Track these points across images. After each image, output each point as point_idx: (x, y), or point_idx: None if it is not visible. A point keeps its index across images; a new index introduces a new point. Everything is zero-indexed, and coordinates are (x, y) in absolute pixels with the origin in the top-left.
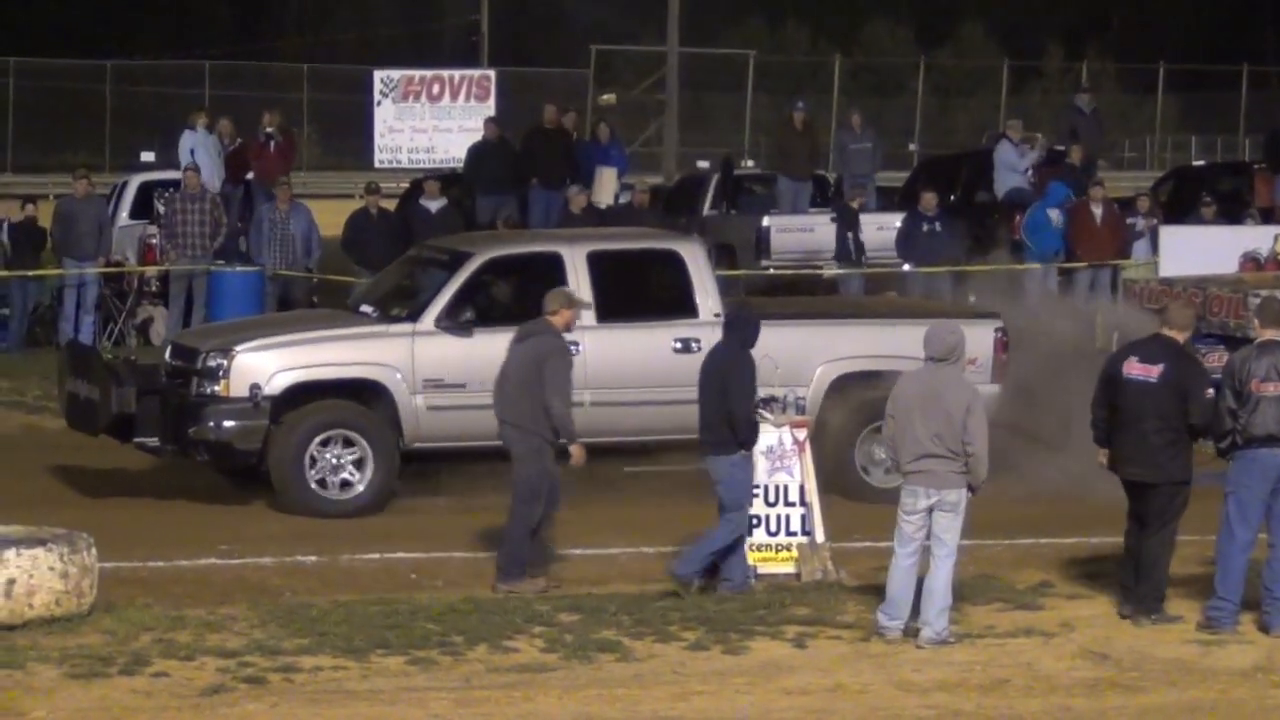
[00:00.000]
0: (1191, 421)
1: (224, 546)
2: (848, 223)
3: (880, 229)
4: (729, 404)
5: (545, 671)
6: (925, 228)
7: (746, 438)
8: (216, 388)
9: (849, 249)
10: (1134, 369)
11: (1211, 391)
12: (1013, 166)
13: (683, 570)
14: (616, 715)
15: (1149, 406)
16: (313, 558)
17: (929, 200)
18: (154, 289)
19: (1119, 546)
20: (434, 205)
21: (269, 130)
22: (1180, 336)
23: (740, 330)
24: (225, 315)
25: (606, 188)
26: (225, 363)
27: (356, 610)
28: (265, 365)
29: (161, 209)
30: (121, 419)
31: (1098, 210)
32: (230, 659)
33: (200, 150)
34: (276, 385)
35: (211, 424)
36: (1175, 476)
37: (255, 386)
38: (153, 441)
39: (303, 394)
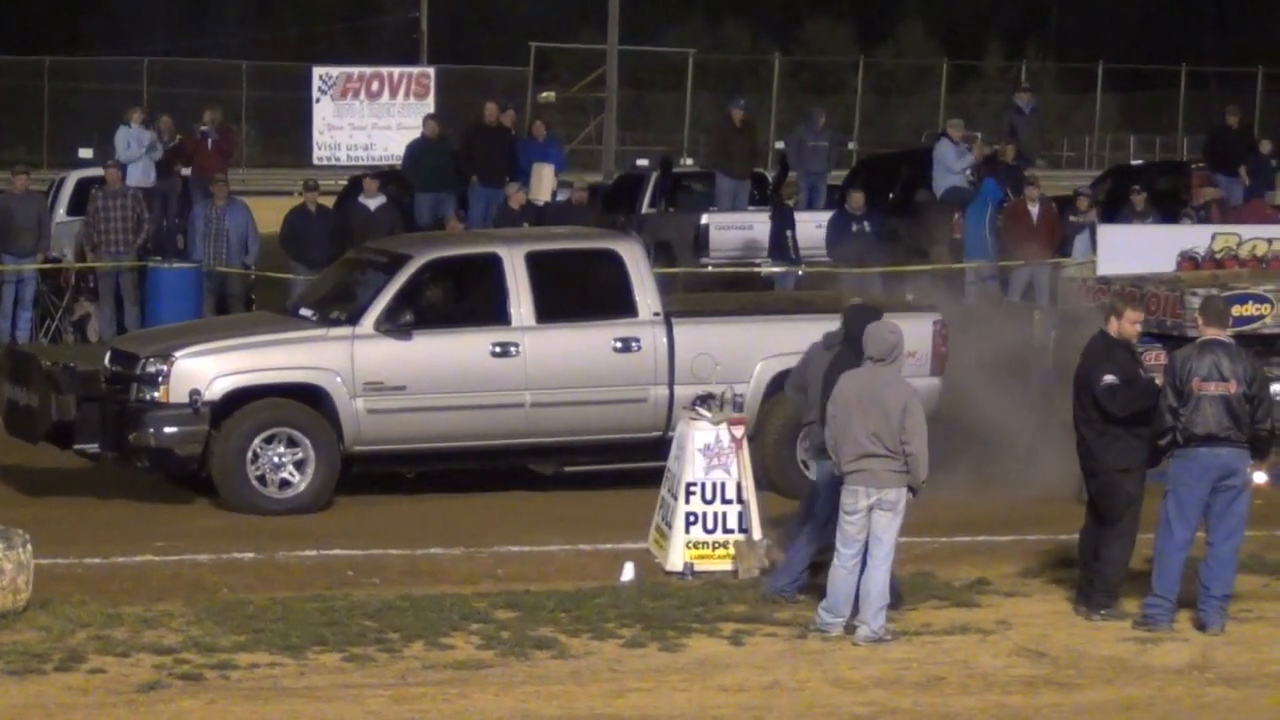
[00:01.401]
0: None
1: (161, 543)
2: (784, 220)
3: (819, 226)
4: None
5: (482, 669)
6: (854, 227)
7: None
8: (156, 394)
9: (786, 247)
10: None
11: (1110, 379)
12: (950, 166)
13: (775, 586)
14: (553, 712)
15: (1077, 399)
16: (250, 555)
17: (857, 199)
18: (91, 286)
19: (1055, 544)
20: (372, 203)
21: (204, 128)
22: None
23: (852, 333)
24: (162, 312)
25: (544, 185)
26: (165, 368)
27: (293, 607)
28: (205, 370)
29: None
30: (62, 426)
31: (1034, 209)
32: (166, 656)
33: (134, 146)
34: (216, 391)
35: (151, 430)
36: (1110, 465)
37: (195, 392)
38: (93, 448)
39: (242, 399)
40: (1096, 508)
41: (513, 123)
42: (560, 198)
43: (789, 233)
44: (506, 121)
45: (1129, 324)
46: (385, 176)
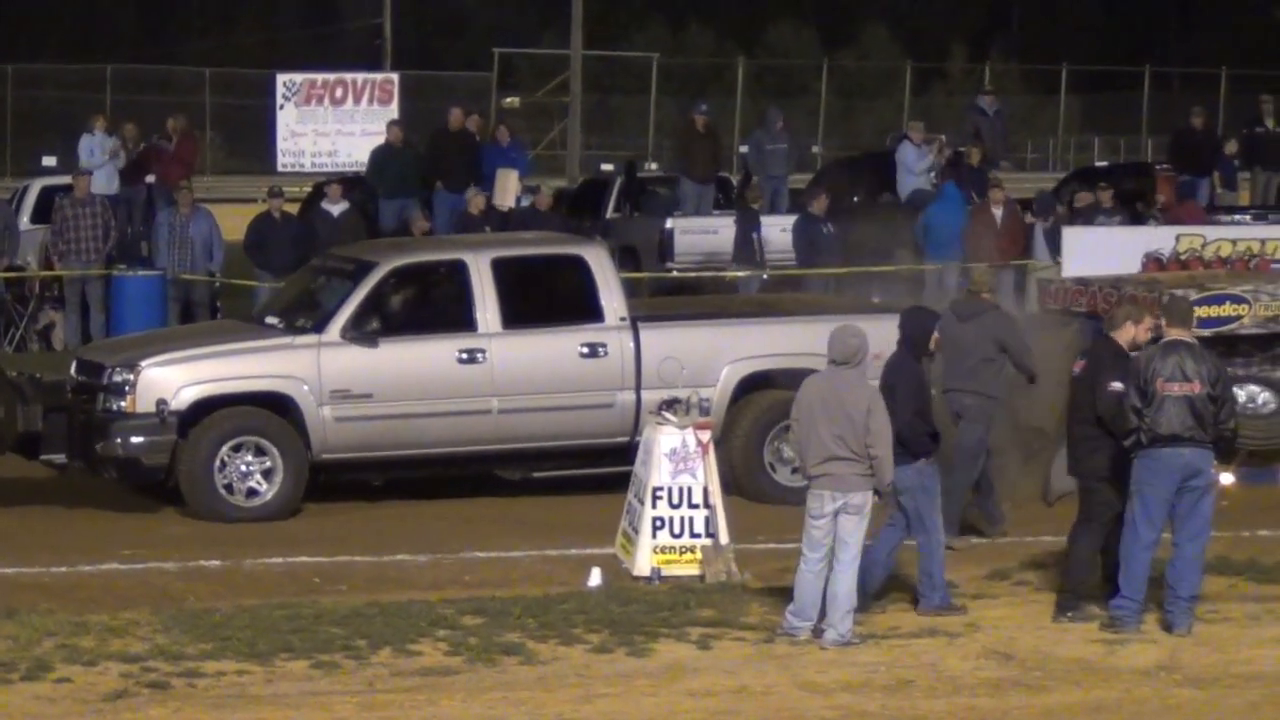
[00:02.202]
0: (1098, 413)
1: (127, 551)
2: (750, 224)
3: (783, 230)
4: (895, 417)
5: (449, 675)
6: (821, 229)
7: (918, 448)
8: (123, 403)
9: (751, 250)
10: (1076, 367)
11: (1117, 385)
12: (911, 168)
13: (933, 603)
14: (521, 718)
15: (1073, 401)
16: (216, 562)
17: (821, 202)
18: (55, 294)
19: (1022, 547)
20: (336, 208)
21: (158, 139)
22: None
23: (907, 335)
24: (126, 320)
25: (508, 190)
26: (131, 378)
27: (260, 615)
28: (171, 380)
29: None
30: (28, 436)
31: (998, 212)
32: (133, 664)
33: (98, 153)
34: (183, 400)
35: (119, 440)
36: (1094, 470)
37: (162, 401)
38: (59, 458)
39: (209, 408)
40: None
41: (478, 128)
42: (524, 203)
43: (755, 235)
44: (472, 126)
45: (1145, 331)
46: (349, 182)
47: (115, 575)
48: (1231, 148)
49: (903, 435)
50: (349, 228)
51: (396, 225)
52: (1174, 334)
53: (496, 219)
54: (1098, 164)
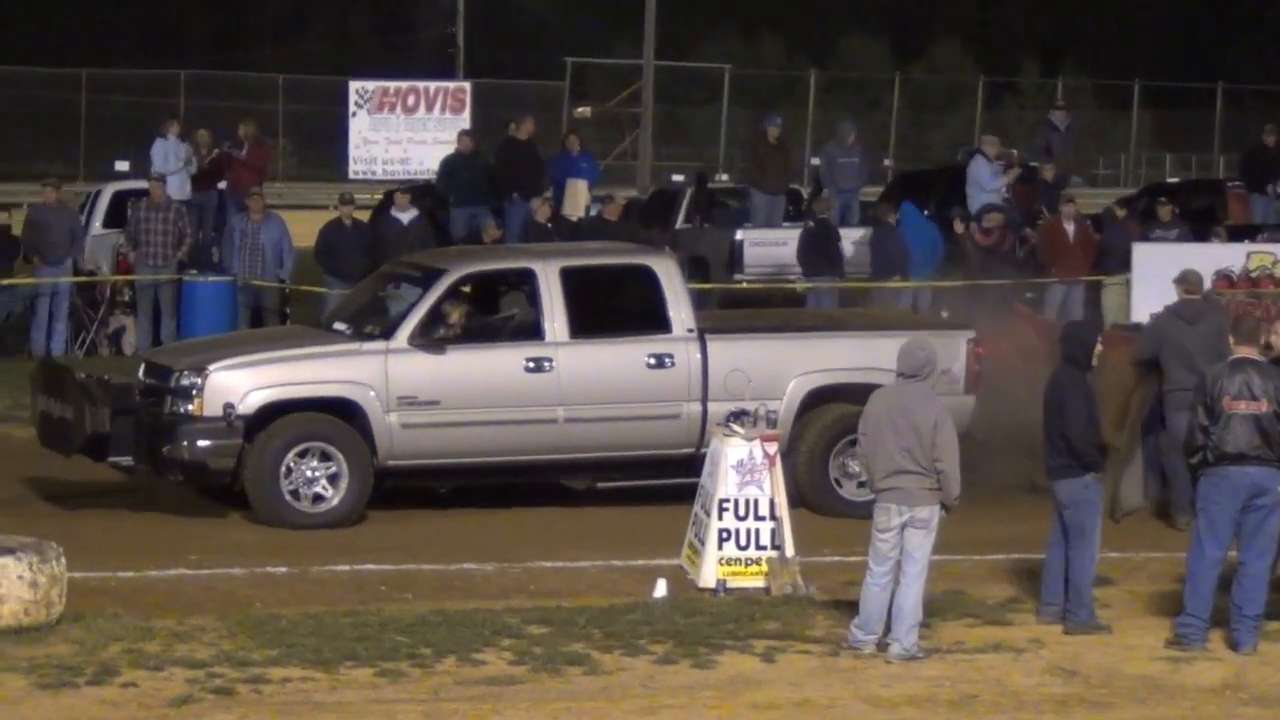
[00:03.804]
0: (1064, 431)
1: (194, 557)
2: (828, 235)
3: (853, 243)
4: (1063, 426)
5: (513, 684)
6: (897, 242)
7: (1090, 461)
8: (190, 407)
9: (831, 260)
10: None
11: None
12: (984, 185)
13: (1080, 620)
14: None
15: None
16: (282, 569)
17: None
18: (126, 299)
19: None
20: (405, 216)
21: (229, 147)
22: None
23: (1069, 349)
24: (197, 325)
25: (578, 200)
26: (199, 381)
27: (325, 622)
28: (239, 384)
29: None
30: (96, 439)
31: (1070, 227)
32: (199, 670)
33: (171, 159)
34: (250, 404)
35: (185, 443)
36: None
37: (229, 405)
38: (127, 461)
39: (276, 413)
40: None
41: (530, 134)
42: (593, 212)
43: (838, 246)
44: (524, 133)
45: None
46: (419, 191)
47: (182, 580)
48: None
49: (1075, 448)
50: (417, 235)
51: (467, 233)
52: (1241, 352)
53: (566, 228)
54: (1169, 180)
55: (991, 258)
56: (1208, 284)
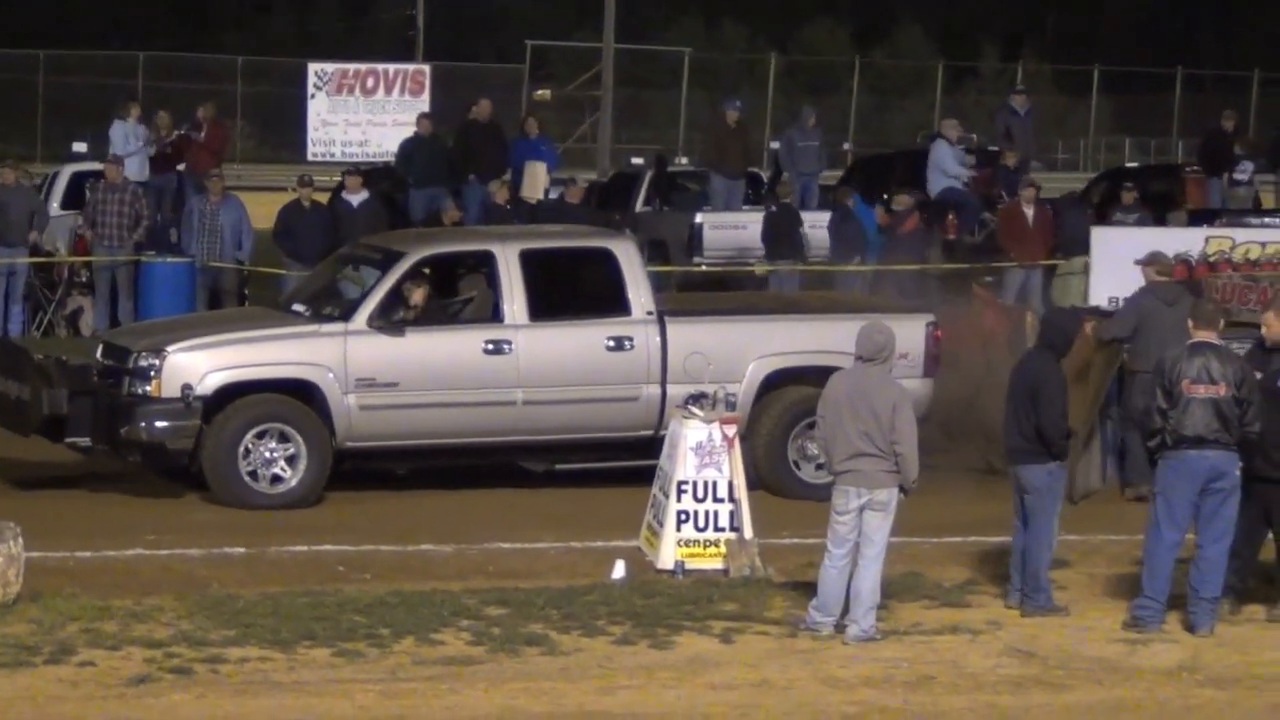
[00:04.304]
0: (1038, 421)
1: (151, 537)
2: (790, 219)
3: (813, 227)
4: (1037, 415)
5: (471, 665)
6: (856, 226)
7: (1059, 449)
8: (148, 388)
9: (794, 245)
10: None
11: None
12: (945, 168)
13: (1038, 603)
14: (542, 709)
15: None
16: (240, 550)
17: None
18: (84, 280)
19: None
20: (355, 199)
21: (194, 125)
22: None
23: (1049, 336)
24: (155, 306)
25: (537, 183)
26: (157, 363)
27: (283, 602)
28: (197, 365)
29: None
30: (53, 419)
31: (1029, 211)
32: (156, 649)
33: (131, 141)
34: (208, 385)
35: (143, 424)
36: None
37: (187, 387)
38: (84, 441)
39: (235, 394)
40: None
41: (489, 115)
42: (553, 195)
43: (801, 230)
44: (484, 115)
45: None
46: (377, 173)
47: (139, 560)
48: (1238, 149)
49: (1047, 435)
50: (367, 218)
51: (426, 215)
52: (1201, 336)
53: (525, 211)
54: (1128, 165)
55: (898, 240)
56: None
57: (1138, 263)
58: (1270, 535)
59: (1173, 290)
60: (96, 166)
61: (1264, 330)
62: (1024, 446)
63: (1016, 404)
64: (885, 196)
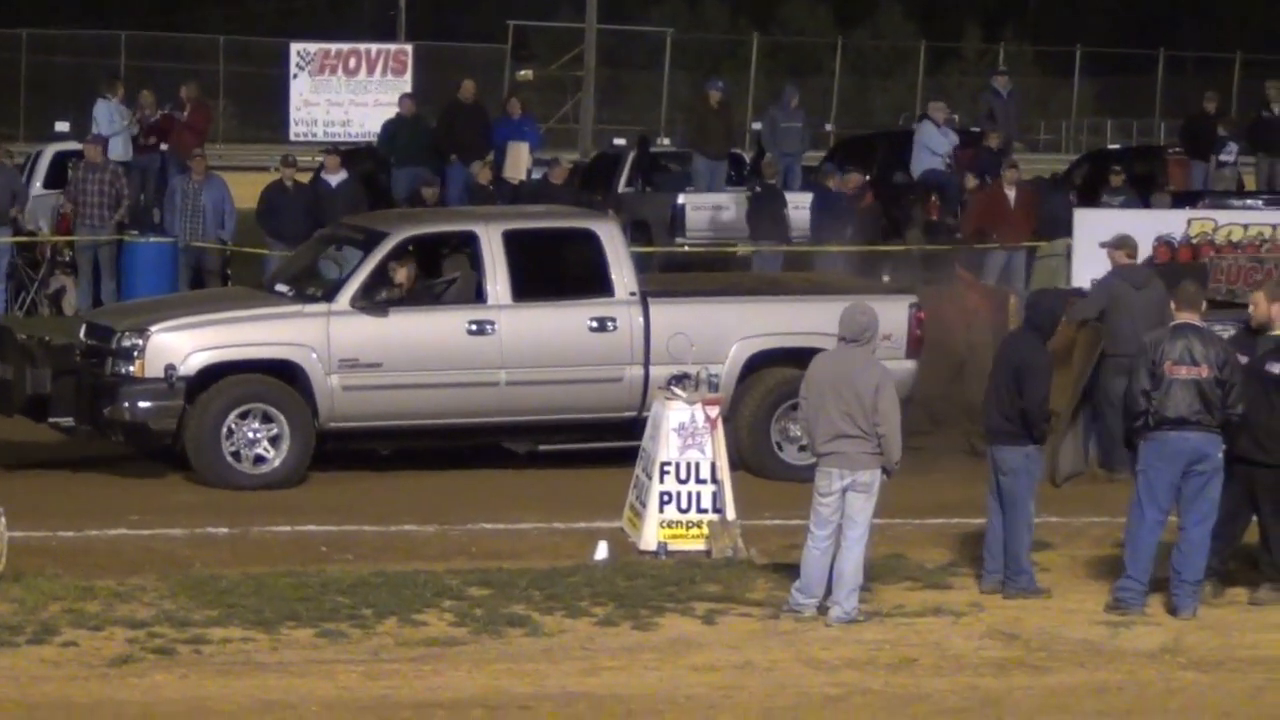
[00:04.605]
0: (1022, 404)
1: (135, 517)
2: (775, 200)
3: (797, 207)
4: (1021, 396)
5: (454, 645)
6: (840, 207)
7: (1039, 432)
8: (132, 368)
9: (779, 226)
10: None
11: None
12: (933, 148)
13: (1020, 585)
14: (525, 690)
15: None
16: (223, 530)
17: (852, 180)
18: (66, 259)
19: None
20: (334, 179)
21: (177, 105)
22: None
23: (1041, 322)
24: (138, 286)
25: (519, 163)
26: (140, 343)
27: (266, 582)
28: (180, 345)
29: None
30: (36, 399)
31: (1011, 192)
32: (139, 630)
33: (116, 120)
34: (191, 365)
35: (127, 404)
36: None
37: (170, 367)
38: (67, 421)
39: (218, 374)
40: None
41: (472, 95)
42: (536, 175)
43: (785, 212)
44: (467, 95)
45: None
46: (359, 153)
47: (122, 540)
48: (1222, 131)
49: (1030, 418)
50: (346, 198)
51: (408, 195)
52: (1183, 317)
53: (508, 191)
54: (1110, 146)
55: (831, 214)
56: (1147, 250)
57: (1103, 245)
58: (1254, 518)
59: (1141, 272)
60: (79, 146)
61: (1251, 310)
62: (1004, 427)
63: (999, 384)
64: (837, 168)
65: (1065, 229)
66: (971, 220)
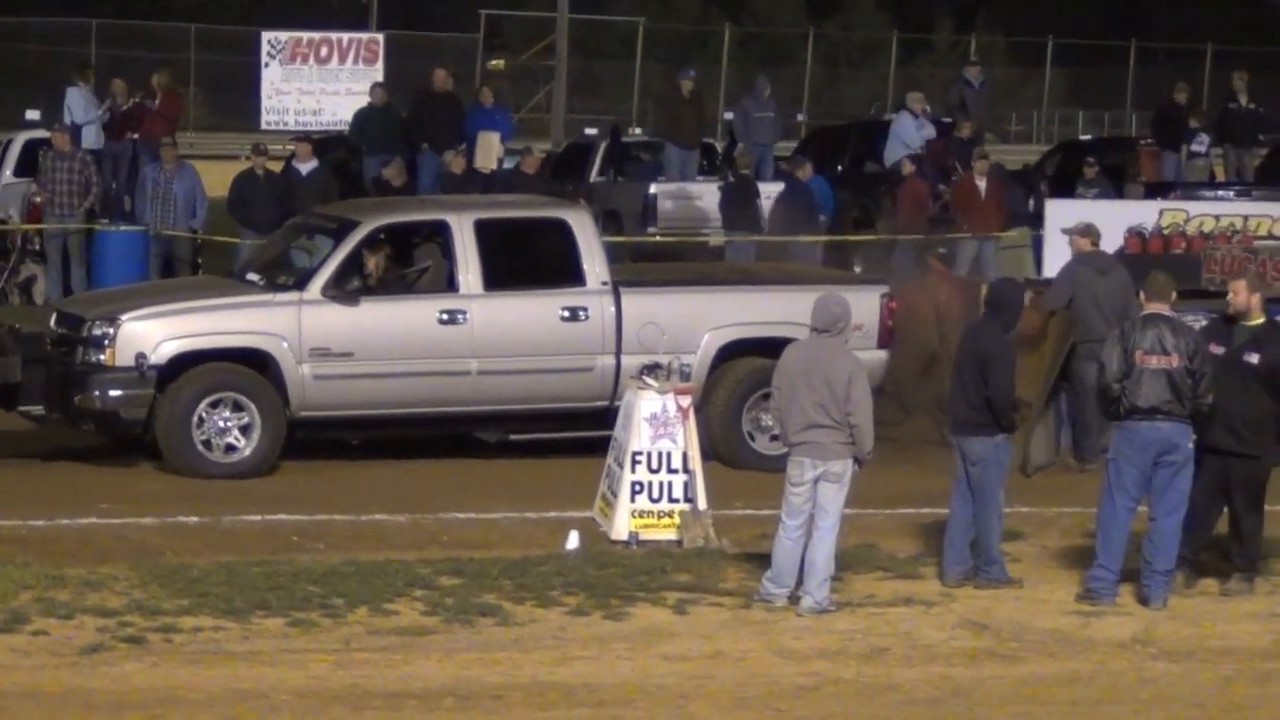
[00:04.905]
0: (988, 393)
1: (105, 506)
2: (748, 190)
3: (768, 198)
4: (987, 387)
5: (425, 635)
6: (809, 197)
7: (1007, 421)
8: (102, 356)
9: (751, 217)
10: None
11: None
12: (908, 140)
13: (992, 576)
14: (496, 679)
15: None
16: (194, 519)
17: (806, 170)
18: (37, 247)
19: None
20: (304, 167)
21: (148, 94)
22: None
23: (1003, 311)
24: (108, 274)
25: (490, 153)
26: (111, 331)
27: (237, 571)
28: (151, 334)
29: None
30: (6, 388)
31: (982, 183)
32: (110, 618)
33: (90, 109)
34: (162, 354)
35: (97, 393)
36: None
37: (141, 355)
38: (37, 410)
39: (189, 363)
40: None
41: (444, 84)
42: (507, 165)
43: (757, 202)
44: (439, 84)
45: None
46: (331, 142)
47: (93, 529)
48: (1193, 122)
49: (997, 406)
50: (316, 187)
51: (372, 179)
52: (1152, 308)
53: (481, 182)
54: (1081, 137)
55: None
56: (1120, 240)
57: (1065, 232)
58: (1224, 509)
59: (1104, 258)
60: (50, 134)
61: (1230, 298)
62: (972, 418)
63: (965, 375)
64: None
65: (1023, 219)
66: (904, 211)
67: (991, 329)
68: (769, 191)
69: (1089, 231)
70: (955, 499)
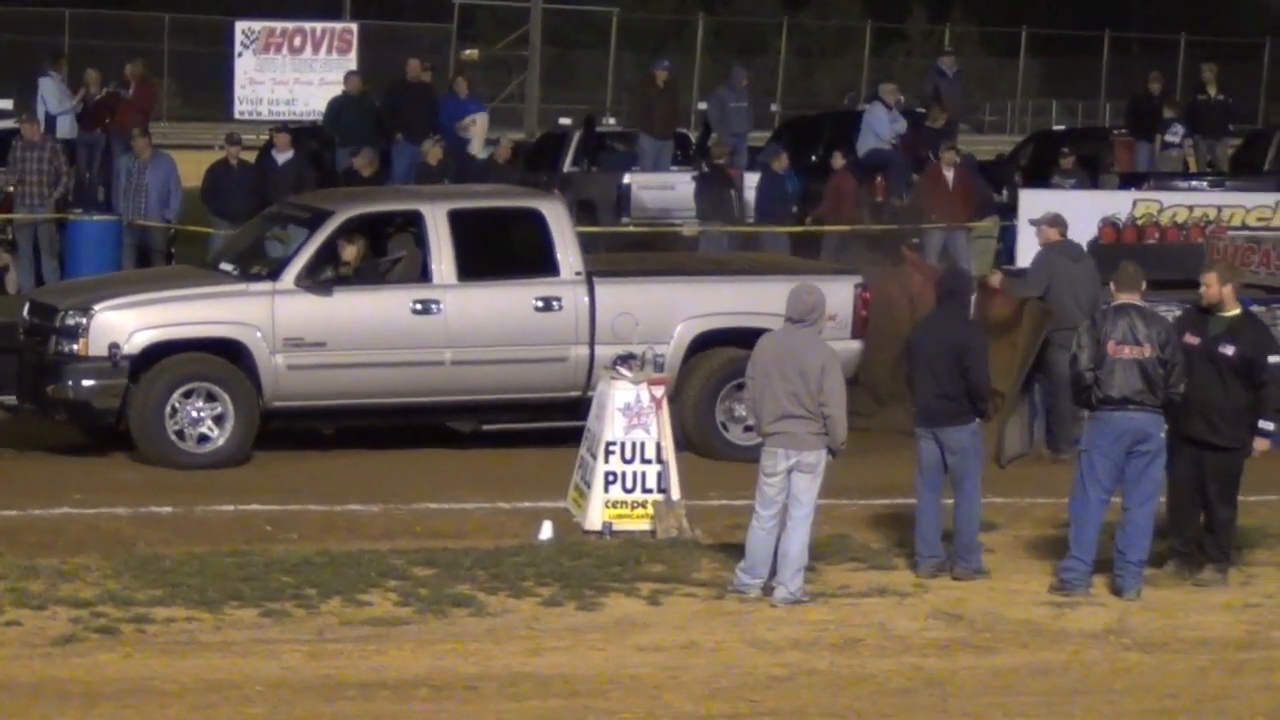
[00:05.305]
0: (968, 381)
1: (78, 496)
2: (724, 181)
3: (751, 189)
4: (968, 376)
5: (399, 625)
6: (784, 188)
7: (984, 408)
8: (75, 346)
9: (727, 208)
10: None
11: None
12: (880, 131)
13: (971, 565)
14: (470, 670)
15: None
16: (167, 509)
17: (781, 160)
18: (9, 237)
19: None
20: (280, 157)
21: (121, 83)
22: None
23: (955, 296)
24: (82, 264)
25: (478, 135)
26: (84, 321)
27: (210, 562)
28: (124, 324)
29: None
30: None
31: (949, 173)
32: (83, 609)
33: (65, 100)
34: (136, 344)
35: (70, 383)
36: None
37: (114, 345)
38: (10, 400)
39: (162, 353)
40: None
41: (418, 74)
42: (482, 155)
43: (731, 193)
44: (426, 78)
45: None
46: (305, 132)
47: (65, 520)
48: (1167, 113)
49: (977, 393)
50: (291, 177)
51: (343, 169)
52: (1123, 298)
53: (455, 172)
54: (1055, 128)
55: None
56: (1094, 231)
57: (1033, 222)
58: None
59: (1074, 247)
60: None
61: (1203, 290)
62: (947, 408)
63: (936, 366)
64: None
65: (993, 210)
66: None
67: (957, 319)
68: (753, 182)
69: (1057, 221)
70: (923, 491)
